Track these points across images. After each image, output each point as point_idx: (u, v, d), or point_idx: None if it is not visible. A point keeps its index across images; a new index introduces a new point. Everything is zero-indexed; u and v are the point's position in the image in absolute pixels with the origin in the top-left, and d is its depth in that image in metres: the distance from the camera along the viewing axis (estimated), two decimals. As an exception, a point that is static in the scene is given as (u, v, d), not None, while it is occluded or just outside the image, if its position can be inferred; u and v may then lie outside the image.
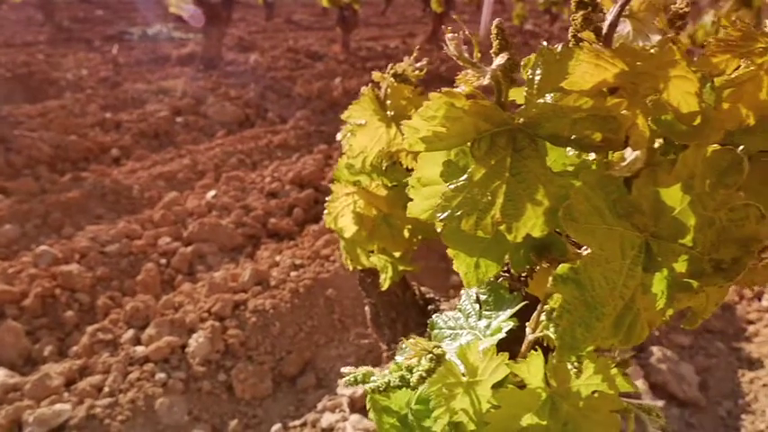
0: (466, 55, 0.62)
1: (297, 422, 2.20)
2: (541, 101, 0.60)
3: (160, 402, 2.10)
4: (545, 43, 0.61)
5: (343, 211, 1.33)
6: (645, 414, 0.85)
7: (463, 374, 0.75)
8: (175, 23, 8.88)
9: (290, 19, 11.38)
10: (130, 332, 2.42)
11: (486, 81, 0.61)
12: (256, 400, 2.29)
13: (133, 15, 10.13)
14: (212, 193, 3.79)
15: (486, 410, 0.74)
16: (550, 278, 0.58)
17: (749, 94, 0.61)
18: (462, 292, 0.96)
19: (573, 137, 0.57)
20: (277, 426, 2.16)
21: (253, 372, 2.33)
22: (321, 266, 2.92)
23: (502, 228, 0.61)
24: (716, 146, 0.59)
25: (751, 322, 2.98)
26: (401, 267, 1.35)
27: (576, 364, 0.69)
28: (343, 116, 1.26)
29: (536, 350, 0.72)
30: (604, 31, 0.64)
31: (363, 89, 1.30)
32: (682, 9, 0.81)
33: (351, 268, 1.41)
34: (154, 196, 3.81)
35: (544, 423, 0.74)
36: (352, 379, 0.85)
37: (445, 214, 0.64)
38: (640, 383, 2.36)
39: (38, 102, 5.25)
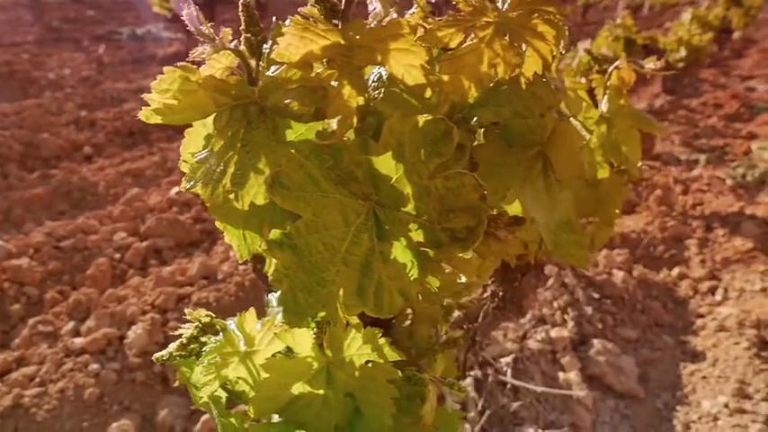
0: (206, 31, 0.64)
1: (229, 412, 2.22)
2: (268, 73, 0.62)
3: (89, 392, 2.12)
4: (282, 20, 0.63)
5: (224, 198, 1.35)
6: (446, 387, 0.87)
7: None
8: (166, 23, 8.92)
9: (282, 19, 11.41)
10: (71, 324, 2.46)
11: (206, 56, 0.63)
12: (192, 390, 2.32)
13: (124, 15, 10.21)
14: (176, 189, 3.82)
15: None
16: (263, 243, 0.60)
17: (470, 67, 0.63)
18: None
19: (286, 107, 0.59)
20: (208, 415, 2.18)
21: (190, 363, 2.35)
22: (271, 260, 2.94)
23: (231, 196, 0.63)
24: (428, 116, 0.61)
25: (701, 316, 2.98)
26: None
27: (315, 330, 0.71)
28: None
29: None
30: (342, 6, 0.66)
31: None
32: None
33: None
34: (119, 193, 3.85)
35: (321, 392, 0.76)
36: (162, 354, 0.87)
37: (190, 185, 0.66)
38: (573, 375, 2.37)
39: (18, 100, 5.31)
